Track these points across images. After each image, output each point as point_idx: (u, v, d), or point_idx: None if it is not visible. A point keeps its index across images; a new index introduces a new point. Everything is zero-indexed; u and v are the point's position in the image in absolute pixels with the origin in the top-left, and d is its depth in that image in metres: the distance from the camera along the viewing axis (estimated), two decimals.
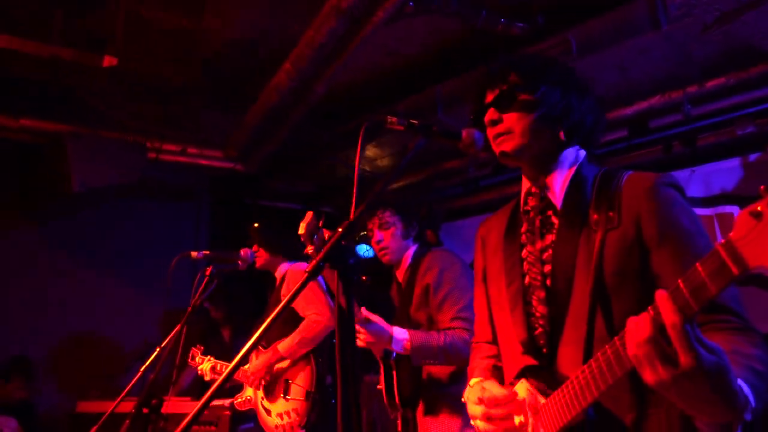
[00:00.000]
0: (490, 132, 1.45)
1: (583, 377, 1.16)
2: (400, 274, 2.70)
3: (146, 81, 4.36)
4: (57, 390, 4.65)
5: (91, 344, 4.91)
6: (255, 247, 3.40)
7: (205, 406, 1.02)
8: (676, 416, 1.21)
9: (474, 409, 1.43)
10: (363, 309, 2.34)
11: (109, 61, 3.46)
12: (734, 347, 1.09)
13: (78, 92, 4.25)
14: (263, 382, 3.25)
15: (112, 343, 5.00)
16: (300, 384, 3.15)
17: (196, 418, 1.01)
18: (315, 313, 3.18)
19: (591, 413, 1.21)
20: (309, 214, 1.81)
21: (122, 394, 2.42)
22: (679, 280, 0.90)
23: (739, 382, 0.96)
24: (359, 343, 2.38)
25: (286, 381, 3.20)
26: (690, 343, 0.88)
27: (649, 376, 0.94)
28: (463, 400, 1.53)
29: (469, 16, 3.39)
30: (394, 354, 2.42)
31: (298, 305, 3.28)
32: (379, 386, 2.57)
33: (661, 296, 0.91)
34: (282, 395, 3.17)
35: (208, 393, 1.06)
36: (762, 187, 0.79)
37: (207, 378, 3.49)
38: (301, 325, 3.19)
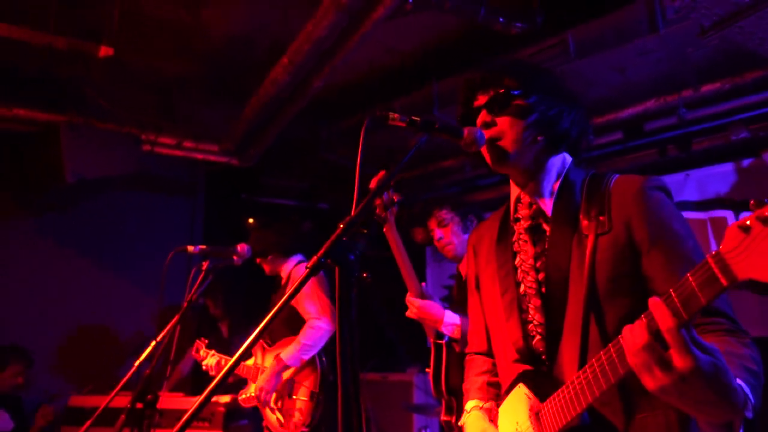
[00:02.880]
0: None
1: (578, 382, 1.17)
2: (463, 268, 2.74)
3: (143, 73, 4.33)
4: (50, 383, 4.61)
5: (85, 338, 4.87)
6: (258, 260, 3.41)
7: (206, 403, 1.02)
8: (675, 419, 1.22)
9: None
10: (423, 284, 2.40)
11: (105, 51, 3.43)
12: (727, 348, 1.11)
13: (73, 82, 4.22)
14: (275, 396, 3.20)
15: (107, 338, 4.96)
16: (305, 384, 3.14)
17: (196, 415, 1.00)
18: (315, 318, 3.16)
19: (586, 417, 1.22)
20: (382, 172, 1.85)
21: (116, 389, 2.40)
22: (671, 290, 0.92)
23: (738, 381, 0.98)
24: (410, 314, 2.41)
25: (292, 380, 3.19)
26: (687, 346, 0.91)
27: (649, 383, 0.96)
28: (461, 424, 1.54)
29: (467, 13, 3.39)
30: (447, 337, 2.43)
31: (300, 306, 3.25)
32: (427, 369, 2.59)
33: (654, 302, 0.94)
34: (287, 395, 3.16)
35: (207, 390, 1.05)
36: (752, 201, 0.81)
37: (212, 373, 3.45)
38: (301, 332, 3.16)
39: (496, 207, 1.70)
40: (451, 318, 2.34)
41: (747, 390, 0.99)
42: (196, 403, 0.99)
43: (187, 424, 0.97)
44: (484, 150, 1.47)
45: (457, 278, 2.77)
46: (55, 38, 3.48)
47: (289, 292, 1.14)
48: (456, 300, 2.70)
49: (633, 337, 0.96)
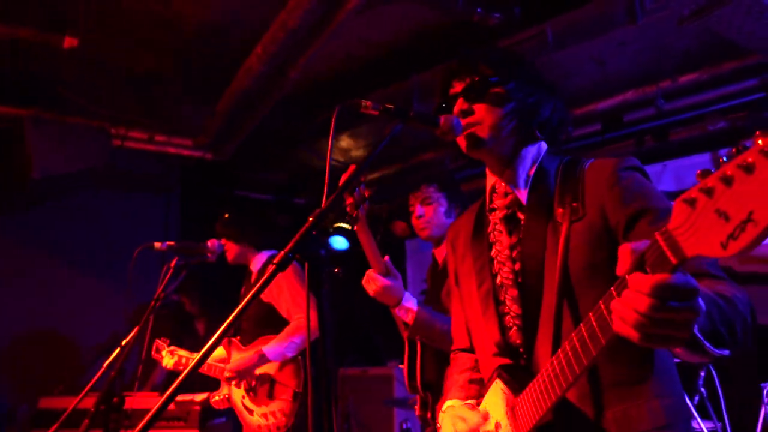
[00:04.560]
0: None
1: (547, 374, 1.13)
2: (439, 254, 2.58)
3: (112, 66, 4.19)
4: (17, 386, 4.47)
5: (53, 339, 4.73)
6: (223, 241, 3.27)
7: (167, 402, 0.96)
8: (659, 406, 1.20)
9: None
10: (387, 257, 2.22)
11: (69, 42, 3.29)
12: (702, 288, 1.07)
13: (40, 75, 4.07)
14: (245, 384, 3.08)
15: (77, 338, 4.83)
16: (288, 384, 3.02)
17: (158, 416, 0.94)
18: (303, 317, 3.04)
19: (561, 411, 1.18)
20: (352, 167, 1.76)
21: (84, 391, 2.35)
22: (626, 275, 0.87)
23: None
24: (369, 291, 2.22)
25: (272, 380, 3.06)
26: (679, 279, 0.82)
27: (670, 339, 0.86)
28: (437, 425, 1.50)
29: (445, 3, 3.34)
30: None
31: (282, 307, 3.14)
32: (401, 365, 2.48)
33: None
34: (267, 395, 3.04)
35: (170, 390, 0.99)
36: (699, 171, 0.76)
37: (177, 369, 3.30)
38: (290, 329, 3.05)
39: (475, 199, 1.66)
40: (408, 302, 2.16)
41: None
42: (157, 405, 0.93)
43: (149, 425, 0.90)
44: (460, 138, 1.44)
45: (432, 264, 2.66)
46: (19, 29, 3.33)
47: (251, 291, 1.09)
48: (430, 287, 2.60)
49: (636, 297, 0.84)
